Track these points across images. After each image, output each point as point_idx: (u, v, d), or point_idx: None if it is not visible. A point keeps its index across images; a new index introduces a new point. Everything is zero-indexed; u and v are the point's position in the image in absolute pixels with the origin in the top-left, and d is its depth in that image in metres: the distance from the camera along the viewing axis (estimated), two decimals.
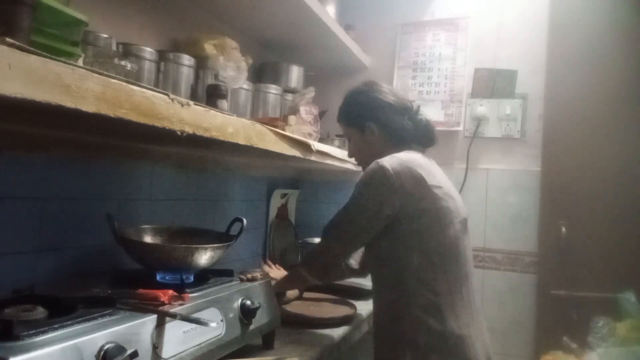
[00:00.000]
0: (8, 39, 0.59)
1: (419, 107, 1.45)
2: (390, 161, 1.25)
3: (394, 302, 1.26)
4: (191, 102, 0.93)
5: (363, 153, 1.44)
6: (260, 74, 2.03)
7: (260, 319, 1.17)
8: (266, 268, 1.70)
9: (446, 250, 1.24)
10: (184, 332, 0.93)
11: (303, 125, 1.68)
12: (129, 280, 1.08)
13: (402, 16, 2.38)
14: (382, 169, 1.23)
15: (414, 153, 1.34)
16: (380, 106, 1.39)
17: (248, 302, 1.13)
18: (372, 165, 1.26)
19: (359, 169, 1.54)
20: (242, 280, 1.24)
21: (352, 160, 1.52)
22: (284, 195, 2.32)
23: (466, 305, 1.25)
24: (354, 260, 1.58)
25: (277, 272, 1.66)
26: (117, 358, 0.74)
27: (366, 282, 1.68)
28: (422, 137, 1.41)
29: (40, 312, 0.79)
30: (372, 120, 1.38)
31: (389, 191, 1.21)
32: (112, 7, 1.34)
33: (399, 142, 1.38)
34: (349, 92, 1.46)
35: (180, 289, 1.01)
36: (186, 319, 0.90)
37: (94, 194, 1.29)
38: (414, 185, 1.23)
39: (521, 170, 2.14)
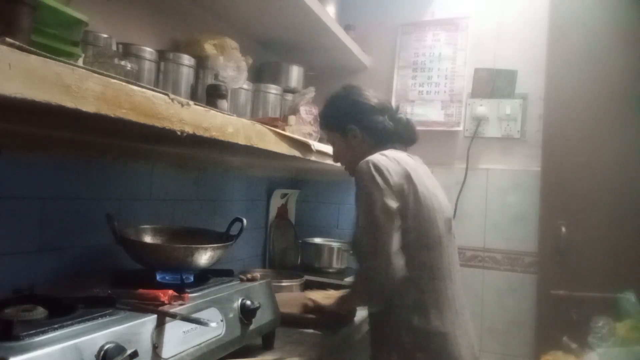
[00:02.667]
0: (8, 39, 0.59)
1: (398, 106, 1.47)
2: (379, 158, 1.27)
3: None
4: (191, 102, 0.93)
5: (348, 157, 1.45)
6: (260, 74, 2.03)
7: (260, 319, 1.17)
8: (312, 294, 1.62)
9: (430, 249, 1.25)
10: (184, 332, 0.93)
11: (303, 125, 1.68)
12: (129, 280, 1.08)
13: (402, 16, 2.38)
14: (372, 165, 1.24)
15: (399, 152, 1.35)
16: (361, 108, 1.40)
17: (248, 302, 1.13)
18: (361, 164, 1.27)
19: None
20: (242, 280, 1.24)
21: (339, 165, 1.52)
22: (284, 195, 2.32)
23: (451, 303, 1.26)
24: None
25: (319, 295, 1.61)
26: (117, 358, 0.74)
27: None
28: (404, 135, 1.43)
29: (40, 312, 0.79)
30: (354, 123, 1.40)
31: (384, 184, 1.22)
32: (112, 7, 1.34)
33: (382, 142, 1.39)
34: (329, 97, 1.47)
35: (180, 289, 1.01)
36: (186, 319, 0.90)
37: (94, 194, 1.29)
38: (402, 182, 1.24)
39: (521, 170, 2.14)
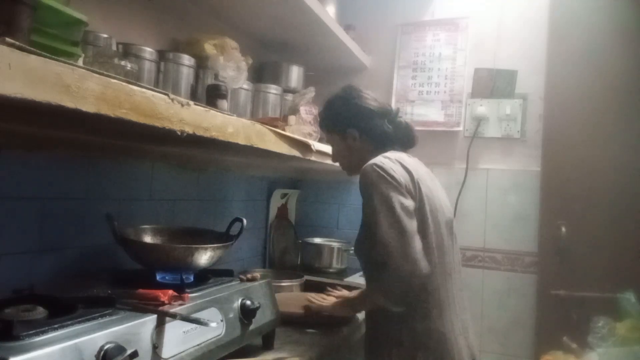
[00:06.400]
0: (8, 39, 0.59)
1: (398, 110, 1.46)
2: (383, 160, 1.26)
3: None
4: (191, 102, 0.93)
5: (346, 158, 1.45)
6: (260, 74, 2.03)
7: (260, 319, 1.17)
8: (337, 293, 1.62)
9: (433, 250, 1.24)
10: (184, 332, 0.93)
11: (303, 125, 1.68)
12: (129, 280, 1.08)
13: (402, 16, 2.38)
14: (377, 167, 1.23)
15: (399, 153, 1.35)
16: (360, 112, 1.39)
17: (248, 302, 1.14)
18: (366, 168, 1.25)
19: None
20: (242, 280, 1.24)
21: (337, 164, 1.51)
22: (284, 195, 2.32)
23: (451, 304, 1.26)
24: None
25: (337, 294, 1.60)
26: (117, 358, 0.74)
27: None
28: (403, 139, 1.43)
29: (40, 312, 0.79)
30: (353, 126, 1.39)
31: (397, 184, 1.21)
32: (112, 7, 1.34)
33: (381, 146, 1.38)
34: (329, 98, 1.46)
35: (180, 289, 1.01)
36: (186, 319, 0.90)
37: (94, 194, 1.29)
38: (407, 182, 1.24)
39: (521, 170, 2.14)
